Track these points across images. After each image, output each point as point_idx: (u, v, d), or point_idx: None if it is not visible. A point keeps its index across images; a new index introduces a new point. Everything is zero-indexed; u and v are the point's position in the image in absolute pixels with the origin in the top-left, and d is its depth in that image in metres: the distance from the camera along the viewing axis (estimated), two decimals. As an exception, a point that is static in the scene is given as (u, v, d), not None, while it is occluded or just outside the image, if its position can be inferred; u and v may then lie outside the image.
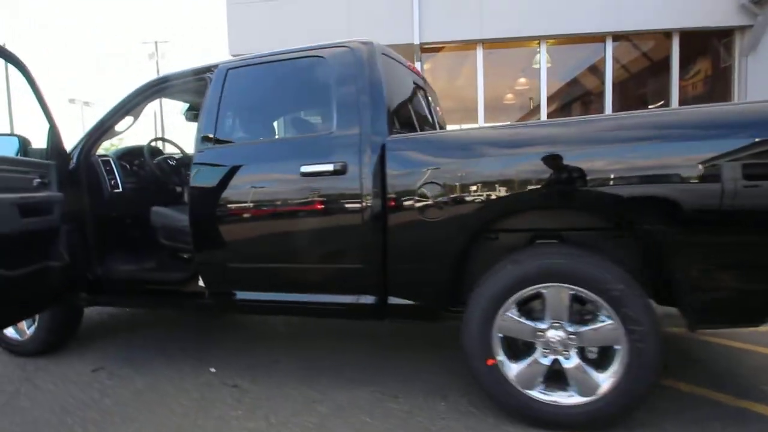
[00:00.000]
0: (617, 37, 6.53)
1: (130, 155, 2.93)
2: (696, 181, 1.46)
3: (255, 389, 2.09)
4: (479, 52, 6.64)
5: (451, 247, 1.73)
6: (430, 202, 1.71)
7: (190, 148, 3.22)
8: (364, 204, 1.81)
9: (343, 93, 1.94)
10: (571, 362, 1.62)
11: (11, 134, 2.44)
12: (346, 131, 1.89)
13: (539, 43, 6.58)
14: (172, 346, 2.67)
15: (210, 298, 2.17)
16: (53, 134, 2.31)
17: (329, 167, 1.85)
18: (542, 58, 6.56)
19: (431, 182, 1.71)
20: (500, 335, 1.68)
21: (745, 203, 1.43)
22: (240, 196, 2.03)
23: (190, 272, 2.24)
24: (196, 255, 2.14)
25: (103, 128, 2.45)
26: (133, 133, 2.79)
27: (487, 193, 1.65)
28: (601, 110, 6.56)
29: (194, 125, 2.21)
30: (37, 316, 2.45)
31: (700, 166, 1.45)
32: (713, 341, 2.39)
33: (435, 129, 2.63)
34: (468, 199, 1.68)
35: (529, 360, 1.67)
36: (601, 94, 6.64)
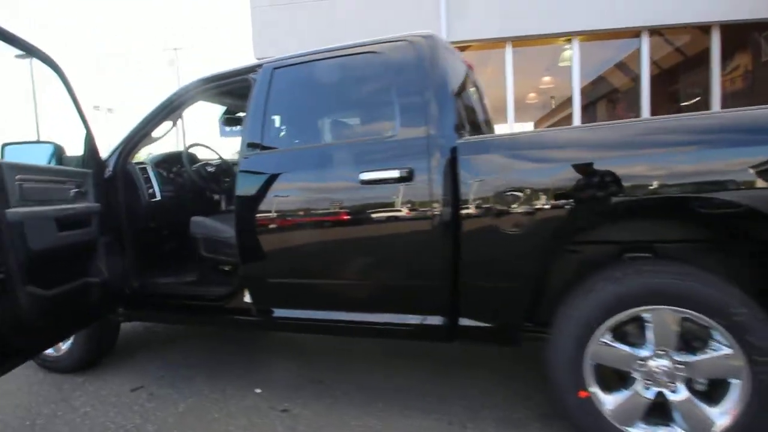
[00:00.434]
0: (653, 32, 6.26)
1: (168, 162, 2.79)
2: None
3: (306, 415, 1.93)
4: (508, 50, 6.44)
5: (534, 263, 1.54)
6: (510, 211, 1.52)
7: (226, 154, 3.10)
8: (433, 214, 1.63)
9: (406, 92, 1.76)
10: (679, 395, 1.42)
11: (46, 141, 2.32)
12: (410, 134, 1.72)
13: (570, 40, 6.35)
14: (211, 360, 2.53)
15: (258, 315, 2.01)
16: (89, 141, 2.18)
17: (394, 174, 1.67)
18: (575, 55, 6.32)
19: (512, 189, 1.52)
20: (593, 363, 1.48)
21: None
22: (291, 205, 1.86)
23: (234, 287, 2.08)
24: (243, 269, 1.98)
25: (141, 134, 2.31)
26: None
27: (579, 200, 1.45)
28: (638, 108, 6.29)
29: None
30: (73, 333, 2.31)
31: None
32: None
33: (491, 128, 2.45)
34: (555, 207, 1.48)
35: (628, 392, 1.46)
36: (634, 91, 6.38)
